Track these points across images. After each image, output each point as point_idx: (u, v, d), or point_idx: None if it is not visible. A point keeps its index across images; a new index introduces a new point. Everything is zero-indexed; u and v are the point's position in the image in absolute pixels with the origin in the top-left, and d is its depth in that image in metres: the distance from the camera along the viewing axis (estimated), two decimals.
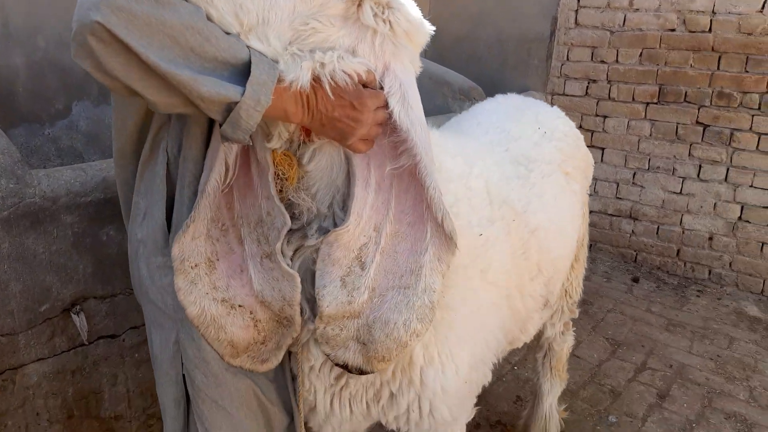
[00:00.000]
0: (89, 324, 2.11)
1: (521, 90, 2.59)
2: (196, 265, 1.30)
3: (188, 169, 1.33)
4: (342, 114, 1.17)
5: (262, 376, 1.50)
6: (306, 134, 1.26)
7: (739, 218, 4.55)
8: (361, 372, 1.36)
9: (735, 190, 4.54)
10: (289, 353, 1.49)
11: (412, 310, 1.29)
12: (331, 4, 1.14)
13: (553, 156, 2.14)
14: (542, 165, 2.06)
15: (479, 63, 4.93)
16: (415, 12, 1.27)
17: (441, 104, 3.83)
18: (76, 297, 2.07)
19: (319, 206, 1.32)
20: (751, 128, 4.41)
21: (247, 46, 1.08)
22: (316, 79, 1.14)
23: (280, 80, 1.09)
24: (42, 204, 1.93)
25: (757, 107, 4.36)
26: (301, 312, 1.36)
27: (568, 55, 4.96)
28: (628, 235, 4.99)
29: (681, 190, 4.73)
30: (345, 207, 1.30)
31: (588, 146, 5.02)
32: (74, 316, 2.07)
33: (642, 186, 4.87)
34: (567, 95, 5.02)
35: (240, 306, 1.35)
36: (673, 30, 4.56)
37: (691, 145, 4.64)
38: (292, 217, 1.31)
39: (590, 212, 5.05)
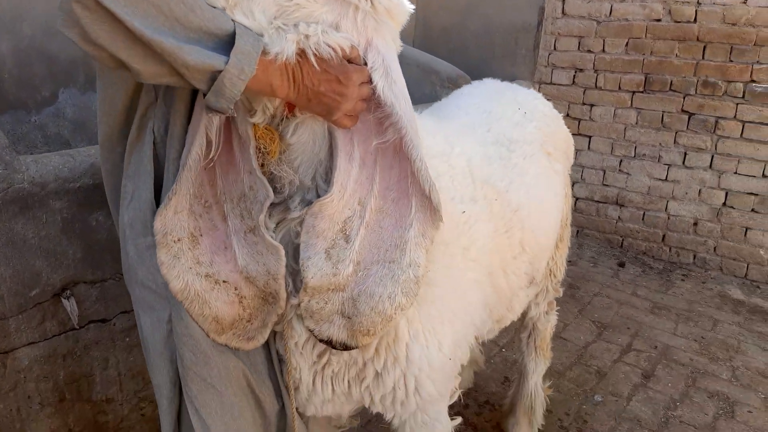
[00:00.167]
0: (79, 309, 2.09)
1: (509, 79, 2.57)
2: (178, 240, 1.29)
3: (174, 146, 1.32)
4: (328, 88, 1.16)
5: (250, 358, 1.48)
6: (289, 109, 1.24)
7: (724, 204, 4.55)
8: (346, 347, 1.35)
9: (719, 177, 4.54)
10: (274, 333, 1.47)
11: (397, 284, 1.29)
12: None
13: (534, 136, 2.12)
14: (524, 145, 2.05)
15: (467, 52, 4.90)
16: None
17: (429, 92, 3.80)
18: (66, 282, 2.05)
19: (302, 178, 1.31)
20: (735, 116, 4.40)
21: (233, 20, 1.08)
22: (302, 53, 1.13)
23: (265, 53, 1.09)
24: (31, 189, 1.90)
25: (741, 96, 4.35)
26: (286, 286, 1.34)
27: (555, 45, 4.94)
28: (615, 221, 4.98)
29: (666, 176, 4.72)
30: (328, 179, 1.29)
31: (575, 134, 5.04)
32: (64, 301, 2.05)
33: (628, 173, 4.86)
34: (554, 84, 5.00)
35: (224, 282, 1.33)
36: (658, 20, 4.54)
37: (676, 133, 4.63)
38: (275, 191, 1.30)
39: (577, 199, 5.07)
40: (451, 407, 2.92)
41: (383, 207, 1.32)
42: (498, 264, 1.78)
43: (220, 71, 1.03)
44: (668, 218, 4.76)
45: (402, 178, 1.30)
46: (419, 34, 5.11)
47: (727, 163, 4.48)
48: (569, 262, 4.63)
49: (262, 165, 1.28)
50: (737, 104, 4.38)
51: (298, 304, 1.33)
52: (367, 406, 1.55)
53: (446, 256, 1.52)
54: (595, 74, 4.83)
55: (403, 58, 4.11)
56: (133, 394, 2.31)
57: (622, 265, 4.70)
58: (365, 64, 1.22)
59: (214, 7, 1.06)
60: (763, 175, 4.38)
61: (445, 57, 4.28)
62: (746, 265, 4.53)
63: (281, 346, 1.47)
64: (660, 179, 4.75)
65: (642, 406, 3.05)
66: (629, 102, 4.75)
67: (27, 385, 2.03)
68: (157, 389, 1.51)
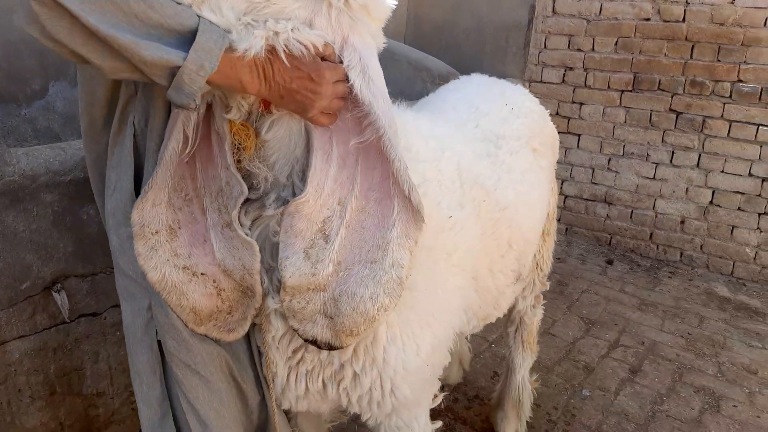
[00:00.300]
0: (70, 302, 2.08)
1: (499, 77, 2.59)
2: (156, 232, 1.30)
3: (153, 139, 1.32)
4: (300, 86, 1.16)
5: (232, 348, 1.48)
6: (265, 106, 1.24)
7: (710, 202, 4.60)
8: (331, 347, 1.34)
9: (706, 176, 4.58)
10: (254, 326, 1.47)
11: (379, 285, 1.28)
12: None
13: (521, 132, 2.12)
14: (511, 141, 2.05)
15: (458, 50, 4.91)
16: None
17: (420, 89, 3.81)
18: (57, 275, 2.04)
19: (277, 176, 1.30)
20: (722, 116, 4.44)
21: (199, 16, 1.07)
22: (272, 50, 1.13)
23: (232, 49, 1.08)
24: (21, 182, 1.89)
25: (728, 95, 4.39)
26: (261, 282, 1.35)
27: (545, 43, 4.96)
28: (603, 219, 5.01)
29: (654, 175, 4.76)
30: (305, 178, 1.28)
31: (564, 133, 5.08)
32: (55, 294, 2.04)
33: (617, 171, 4.90)
34: (544, 82, 5.02)
35: (202, 274, 1.34)
36: (647, 19, 4.57)
37: (664, 132, 4.67)
38: (251, 188, 1.30)
39: (566, 197, 5.10)
40: (442, 401, 2.95)
41: (365, 207, 1.31)
42: (485, 266, 1.78)
43: (179, 67, 1.03)
44: (656, 216, 4.80)
45: (384, 178, 1.29)
46: (410, 31, 5.12)
47: (714, 161, 4.53)
48: (558, 259, 4.68)
49: (239, 161, 1.27)
50: (724, 104, 4.42)
51: (281, 302, 1.32)
52: (344, 406, 1.55)
53: (429, 260, 1.51)
54: (585, 73, 4.86)
55: (394, 55, 4.11)
56: (123, 388, 2.31)
57: (610, 262, 4.73)
58: (341, 62, 1.21)
59: (180, 3, 1.05)
60: (750, 174, 4.42)
61: (437, 54, 4.29)
62: (732, 263, 4.58)
63: (260, 338, 1.47)
64: (648, 178, 4.78)
65: (629, 400, 3.08)
66: (618, 101, 4.78)
67: (17, 378, 2.02)
68: (136, 376, 1.52)
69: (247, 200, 1.30)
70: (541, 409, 2.95)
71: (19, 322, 1.99)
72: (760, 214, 4.43)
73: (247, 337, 1.48)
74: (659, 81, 4.60)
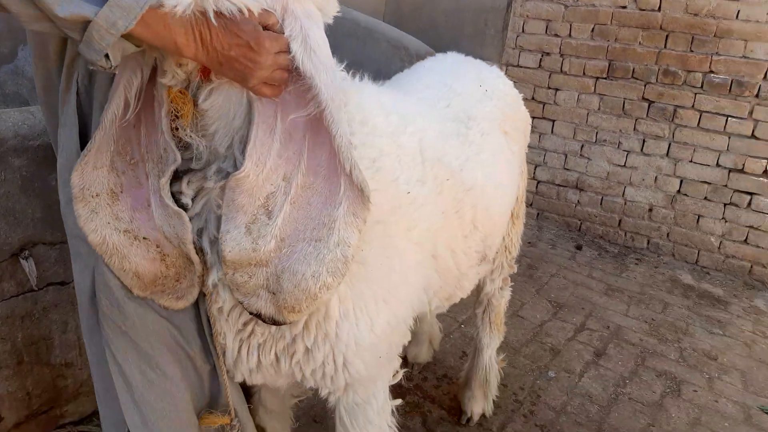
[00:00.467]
0: (38, 270, 2.05)
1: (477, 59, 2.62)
2: (97, 195, 1.29)
3: (98, 99, 1.31)
4: (239, 53, 1.13)
5: (178, 315, 1.46)
6: (204, 74, 1.20)
7: (678, 191, 4.69)
8: (275, 322, 1.34)
9: (675, 165, 4.67)
10: (203, 295, 1.45)
11: (322, 263, 1.27)
12: None
13: (493, 115, 2.12)
14: (482, 123, 2.04)
15: (437, 31, 4.91)
16: None
17: (399, 68, 3.79)
18: (25, 242, 2.01)
19: (217, 146, 1.27)
20: (693, 106, 4.53)
21: None
22: (207, 14, 1.09)
23: (161, 5, 1.03)
24: None
25: (699, 86, 4.48)
26: (204, 253, 1.34)
27: (523, 27, 4.98)
28: (574, 205, 5.09)
29: (625, 163, 4.84)
30: (245, 151, 1.26)
31: (539, 118, 5.13)
32: (23, 261, 2.01)
33: (589, 158, 4.97)
34: (521, 66, 5.05)
35: (144, 239, 1.33)
36: (624, 7, 4.62)
37: (636, 120, 4.74)
38: (192, 158, 1.28)
39: (539, 182, 5.16)
40: (408, 379, 2.99)
41: (313, 184, 1.29)
42: (446, 245, 1.77)
43: (90, 21, 0.99)
44: (625, 204, 4.89)
45: (332, 156, 1.26)
46: (390, 10, 5.10)
47: (683, 151, 4.62)
48: (529, 243, 4.75)
49: (176, 129, 1.25)
50: (695, 94, 4.50)
51: (224, 274, 1.32)
52: (299, 380, 1.54)
53: (385, 236, 1.50)
54: (561, 58, 4.90)
55: (372, 33, 4.07)
56: None
57: (579, 247, 4.82)
58: (283, 32, 1.19)
59: None
60: (717, 165, 4.52)
61: (415, 34, 4.27)
62: (697, 252, 4.69)
63: (208, 308, 1.46)
64: (619, 165, 4.86)
65: (593, 382, 3.16)
66: (593, 88, 4.84)
67: None
68: (85, 333, 1.52)
69: (190, 170, 1.29)
70: (507, 389, 3.00)
71: None
72: (725, 204, 4.54)
73: (196, 306, 1.47)
74: (633, 69, 4.66)
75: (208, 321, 1.49)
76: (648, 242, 4.86)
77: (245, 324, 1.44)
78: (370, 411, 1.67)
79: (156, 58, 1.19)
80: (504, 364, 2.90)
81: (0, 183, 1.90)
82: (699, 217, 4.65)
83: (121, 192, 1.31)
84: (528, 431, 2.76)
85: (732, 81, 4.37)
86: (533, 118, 5.04)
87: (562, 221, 5.16)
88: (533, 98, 5.04)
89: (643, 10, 4.55)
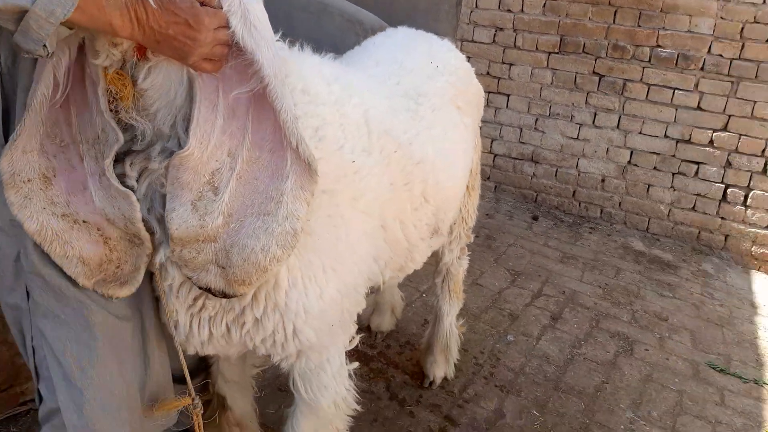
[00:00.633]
0: None
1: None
2: (29, 180, 1.23)
3: (23, 80, 1.25)
4: (177, 31, 1.10)
5: (119, 306, 1.42)
6: (140, 53, 1.16)
7: (629, 162, 4.80)
8: (225, 295, 1.34)
9: (626, 137, 4.77)
10: (151, 274, 1.44)
11: (271, 236, 1.27)
12: None
13: (444, 90, 2.11)
14: (433, 99, 2.03)
15: (392, 5, 4.88)
16: None
17: (354, 43, 3.78)
18: None
19: (160, 126, 1.24)
20: (641, 79, 4.63)
21: None
22: None
23: None
24: None
25: (647, 60, 4.57)
26: (152, 231, 1.32)
27: (476, 3, 5.00)
28: (530, 177, 5.17)
29: (578, 135, 4.93)
30: (188, 129, 1.23)
31: (494, 93, 5.16)
32: None
33: (543, 131, 5.04)
34: (475, 42, 5.08)
35: (84, 222, 1.28)
36: None
37: (587, 94, 4.82)
38: (134, 139, 1.25)
39: (496, 155, 5.22)
40: (372, 347, 3.02)
41: (259, 158, 1.28)
42: (395, 216, 1.78)
43: (27, 11, 0.95)
44: (578, 175, 4.99)
45: (277, 129, 1.25)
46: None
47: (633, 123, 4.72)
48: (487, 215, 4.81)
49: (116, 111, 1.21)
50: (644, 68, 4.60)
51: (171, 251, 1.30)
52: (250, 348, 1.55)
53: (330, 205, 1.50)
54: (515, 34, 4.94)
55: (326, 7, 4.02)
56: None
57: (535, 218, 4.90)
58: (221, 7, 1.16)
59: None
60: (665, 136, 4.64)
61: (370, 8, 4.25)
62: (647, 219, 4.82)
63: (157, 286, 1.44)
64: (572, 138, 4.95)
65: (550, 344, 3.24)
66: (545, 62, 4.90)
67: None
68: (11, 326, 1.48)
69: (132, 151, 1.25)
70: (468, 353, 3.06)
71: None
72: (673, 174, 4.67)
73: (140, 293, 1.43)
74: (584, 44, 4.74)
75: (157, 299, 1.47)
76: (601, 211, 4.97)
77: (195, 299, 1.44)
78: (324, 376, 1.68)
79: (84, 37, 1.13)
80: (464, 330, 2.95)
81: None
82: (649, 186, 4.77)
83: (54, 176, 1.26)
84: (488, 392, 2.82)
85: (678, 55, 4.47)
86: (488, 92, 5.08)
87: (519, 193, 5.24)
88: (488, 73, 5.08)
89: None
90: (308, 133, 1.44)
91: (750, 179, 4.46)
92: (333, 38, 4.08)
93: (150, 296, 1.51)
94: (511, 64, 5.02)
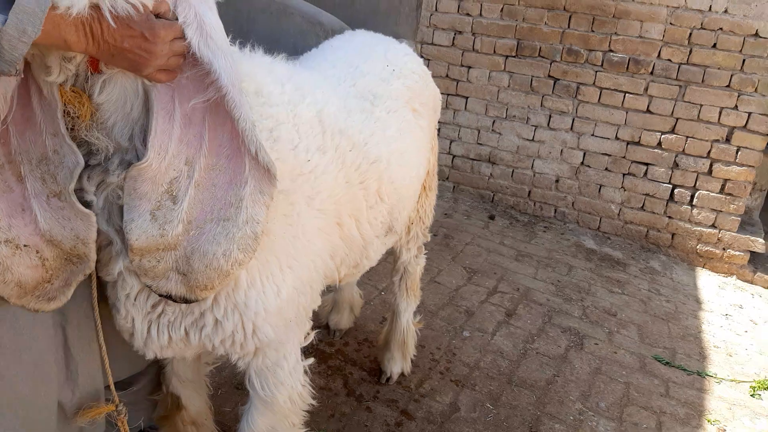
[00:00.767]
0: None
1: (392, 37, 2.62)
2: None
3: None
4: (133, 45, 1.08)
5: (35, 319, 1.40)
6: (93, 66, 1.13)
7: (582, 163, 4.90)
8: (186, 300, 1.33)
9: (579, 138, 4.87)
10: (105, 283, 1.41)
11: (232, 241, 1.27)
12: None
13: (400, 93, 2.13)
14: (388, 101, 2.05)
15: (352, 7, 4.89)
16: None
17: (314, 44, 3.77)
18: None
19: (118, 140, 1.22)
20: (594, 83, 4.72)
21: None
22: (98, 8, 1.04)
23: (54, 7, 0.98)
24: None
25: (600, 64, 4.67)
26: (112, 243, 1.30)
27: (436, 6, 5.04)
28: (487, 178, 5.23)
29: (533, 137, 5.01)
30: (146, 141, 1.21)
31: (453, 95, 5.20)
32: None
33: (500, 133, 5.11)
34: (435, 45, 5.12)
35: (25, 246, 1.23)
36: None
37: (543, 97, 4.90)
38: (90, 153, 1.22)
39: (454, 156, 5.27)
40: (330, 344, 3.03)
41: (217, 164, 1.27)
42: (350, 213, 1.79)
43: None
44: (534, 176, 5.07)
45: (234, 135, 1.24)
46: None
47: (586, 125, 4.82)
48: (445, 214, 4.86)
49: (72, 129, 1.17)
50: (596, 72, 4.70)
51: (131, 261, 1.28)
52: (209, 350, 1.55)
53: (286, 204, 1.50)
54: (473, 37, 4.99)
55: (287, 8, 4.00)
56: None
57: (492, 217, 4.97)
58: (177, 19, 1.15)
59: None
60: (616, 138, 4.75)
61: (331, 10, 4.25)
62: (599, 219, 4.93)
63: (113, 294, 1.42)
64: (528, 139, 5.03)
65: (504, 339, 3.29)
66: (503, 66, 4.96)
67: None
68: None
69: (89, 165, 1.22)
70: (425, 349, 3.09)
71: None
72: (624, 174, 4.78)
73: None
74: (540, 48, 4.81)
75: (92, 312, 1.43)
76: (555, 211, 5.06)
77: (154, 306, 1.42)
78: (281, 372, 1.69)
79: (32, 53, 1.07)
80: (421, 326, 2.98)
81: None
82: (600, 186, 4.88)
83: None
84: (443, 386, 2.86)
85: (629, 59, 4.58)
86: (447, 95, 5.13)
87: (476, 193, 5.30)
88: (447, 75, 5.13)
89: None
90: (263, 135, 1.44)
91: (696, 180, 4.59)
92: (293, 39, 4.07)
93: (78, 307, 1.47)
94: (469, 67, 5.07)
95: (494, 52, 4.95)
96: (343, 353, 3.00)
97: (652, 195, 4.73)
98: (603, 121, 4.76)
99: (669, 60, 4.48)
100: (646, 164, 4.71)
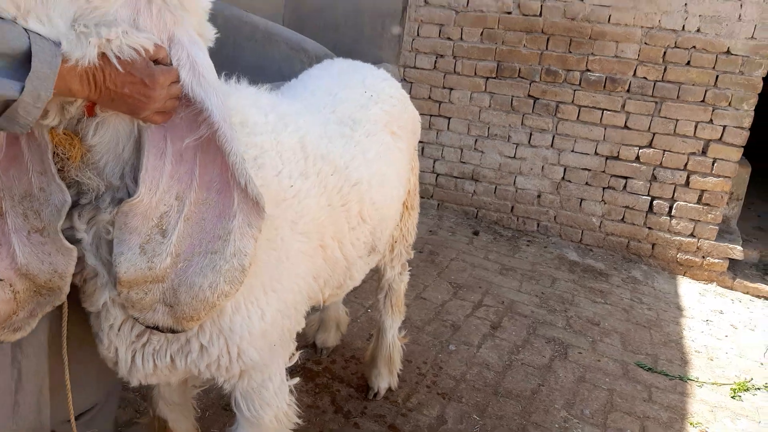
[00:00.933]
0: None
1: (376, 61, 2.65)
2: None
3: None
4: (133, 91, 1.10)
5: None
6: (89, 110, 1.14)
7: (563, 178, 4.93)
8: (172, 331, 1.32)
9: (559, 155, 4.90)
10: (89, 314, 1.40)
11: (218, 274, 1.26)
12: None
13: (378, 117, 2.14)
14: (367, 125, 2.06)
15: (337, 33, 4.94)
16: None
17: (299, 70, 3.80)
18: None
19: (109, 179, 1.22)
20: (573, 101, 4.78)
21: (27, 30, 0.96)
22: (103, 57, 1.06)
23: (65, 60, 1.00)
24: None
25: (578, 83, 4.73)
26: (98, 275, 1.29)
27: (418, 31, 5.10)
28: (470, 195, 5.25)
29: (515, 154, 5.04)
30: (137, 178, 1.21)
31: (436, 116, 5.25)
32: None
33: (482, 151, 5.14)
34: (417, 68, 5.17)
35: (0, 280, 1.21)
36: (509, 12, 4.81)
37: (523, 116, 4.95)
38: (81, 192, 1.22)
39: (438, 175, 5.30)
40: (317, 363, 3.01)
41: (206, 198, 1.27)
42: (333, 235, 1.79)
43: (14, 100, 0.93)
44: (516, 191, 5.09)
45: (224, 170, 1.25)
46: (289, 12, 5.09)
47: (566, 142, 4.86)
48: (430, 231, 4.87)
49: (62, 169, 1.17)
50: (575, 91, 4.75)
51: (118, 294, 1.27)
52: (195, 374, 1.53)
53: (270, 229, 1.49)
54: (454, 60, 5.05)
55: (272, 36, 4.05)
56: None
57: (476, 233, 4.98)
58: (172, 62, 1.16)
59: (3, 19, 0.94)
60: (595, 153, 4.79)
61: (315, 36, 4.29)
62: (581, 232, 4.95)
63: (96, 324, 1.40)
64: (509, 157, 5.06)
65: (490, 352, 3.28)
66: (483, 87, 5.01)
67: None
68: None
69: (78, 203, 1.22)
70: (412, 364, 3.08)
71: None
72: (604, 188, 4.82)
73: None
74: (519, 69, 4.87)
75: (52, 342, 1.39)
76: (537, 225, 5.08)
77: (138, 335, 1.41)
78: (266, 393, 1.67)
79: None
80: (407, 341, 2.97)
81: None
82: (581, 200, 4.91)
83: None
84: (430, 399, 2.84)
85: (606, 78, 4.64)
86: (430, 116, 5.17)
87: (461, 210, 5.31)
88: (429, 97, 5.17)
89: (526, 15, 4.76)
90: (248, 164, 1.44)
91: (674, 191, 4.63)
92: (279, 65, 4.10)
93: (34, 338, 1.41)
94: (451, 89, 5.11)
95: (475, 74, 5.00)
96: (331, 371, 2.99)
97: (631, 207, 4.76)
98: (582, 137, 4.80)
99: (645, 78, 4.54)
100: (626, 178, 4.74)
